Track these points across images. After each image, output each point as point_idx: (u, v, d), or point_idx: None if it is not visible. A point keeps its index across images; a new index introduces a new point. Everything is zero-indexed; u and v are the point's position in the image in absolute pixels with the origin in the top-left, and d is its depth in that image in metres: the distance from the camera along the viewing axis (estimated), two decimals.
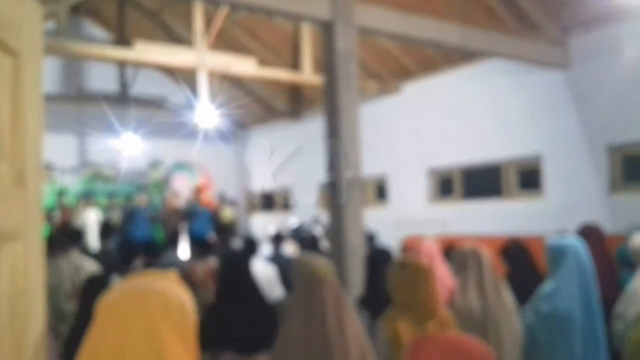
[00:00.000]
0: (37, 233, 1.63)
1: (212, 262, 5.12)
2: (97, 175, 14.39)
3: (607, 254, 4.77)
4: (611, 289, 4.14)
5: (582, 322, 3.20)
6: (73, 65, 14.42)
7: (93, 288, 2.86)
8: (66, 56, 11.81)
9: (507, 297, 3.44)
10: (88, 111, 13.64)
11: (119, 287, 1.45)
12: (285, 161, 14.71)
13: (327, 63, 6.11)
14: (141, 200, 13.19)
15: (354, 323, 2.67)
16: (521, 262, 4.46)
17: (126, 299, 1.40)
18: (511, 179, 9.75)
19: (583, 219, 5.71)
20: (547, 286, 3.38)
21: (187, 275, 4.65)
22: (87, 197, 13.37)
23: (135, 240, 8.37)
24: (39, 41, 1.75)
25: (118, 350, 1.34)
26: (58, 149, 13.03)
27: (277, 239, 6.82)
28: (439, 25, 7.07)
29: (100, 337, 1.36)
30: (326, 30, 6.10)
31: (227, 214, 14.67)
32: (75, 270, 5.00)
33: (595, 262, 3.50)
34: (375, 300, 3.48)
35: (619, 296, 3.86)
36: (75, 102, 13.43)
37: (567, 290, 3.26)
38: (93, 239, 11.02)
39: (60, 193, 12.55)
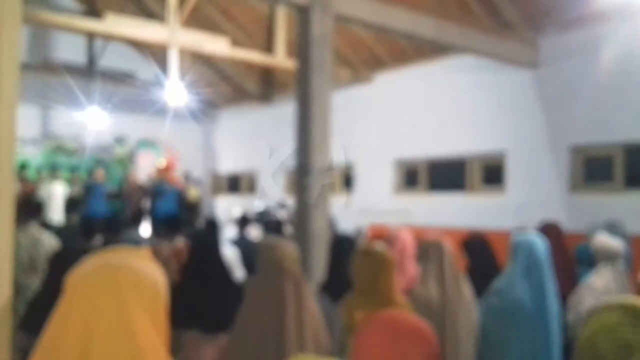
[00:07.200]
0: (8, 202, 1.59)
1: (178, 242, 5.08)
2: (59, 148, 14.06)
3: (565, 251, 4.90)
4: (569, 285, 4.26)
5: (533, 316, 3.27)
6: (40, 34, 14.01)
7: (61, 262, 2.81)
8: (33, 24, 11.47)
9: (466, 290, 3.51)
10: (53, 82, 13.29)
11: (90, 262, 1.42)
12: (254, 144, 14.64)
13: (301, 48, 6.09)
14: (98, 175, 12.58)
15: (312, 314, 2.70)
16: (482, 256, 4.55)
17: (97, 275, 1.38)
18: (475, 174, 9.90)
19: (543, 216, 5.86)
20: (499, 281, 3.46)
21: (152, 253, 4.60)
22: (53, 170, 13.06)
23: (93, 216, 8.24)
24: (17, 4, 1.68)
25: (86, 326, 1.32)
26: (20, 119, 12.66)
27: (243, 222, 6.81)
28: (413, 17, 7.11)
29: (68, 313, 1.34)
30: (302, 14, 6.07)
31: (193, 193, 14.53)
32: (33, 243, 4.90)
33: (553, 259, 3.59)
34: (337, 286, 3.52)
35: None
36: (41, 72, 13.07)
37: (517, 284, 3.33)
38: (57, 213, 10.82)
39: (23, 166, 12.21)
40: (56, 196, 11.70)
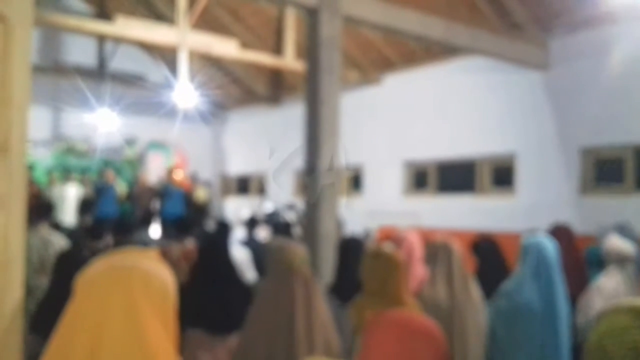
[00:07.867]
0: (20, 204, 1.60)
1: (188, 243, 5.10)
2: (70, 150, 14.15)
3: (576, 253, 4.88)
4: (580, 287, 4.24)
5: (542, 318, 3.26)
6: (51, 36, 14.13)
7: (67, 263, 2.83)
8: (45, 27, 11.57)
9: (475, 292, 3.50)
10: (64, 84, 13.39)
11: (100, 264, 1.43)
12: (263, 146, 14.67)
13: (310, 50, 6.10)
14: (108, 176, 12.69)
15: (322, 315, 2.69)
16: (491, 258, 4.53)
17: (107, 276, 1.39)
18: (485, 176, 9.86)
19: (553, 219, 5.83)
20: (508, 283, 3.44)
21: (161, 254, 4.62)
22: (64, 172, 13.14)
23: (104, 217, 8.27)
24: (29, 7, 1.68)
25: (96, 327, 1.33)
26: (31, 121, 12.73)
27: (252, 223, 6.82)
28: (422, 18, 7.10)
29: (78, 313, 1.35)
30: (311, 16, 6.08)
31: (201, 194, 14.57)
32: (43, 244, 4.93)
33: (564, 261, 3.57)
34: (346, 288, 3.52)
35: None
36: (52, 75, 13.17)
37: (526, 287, 3.31)
38: (70, 215, 10.88)
39: (30, 167, 12.25)
40: (69, 198, 11.77)
